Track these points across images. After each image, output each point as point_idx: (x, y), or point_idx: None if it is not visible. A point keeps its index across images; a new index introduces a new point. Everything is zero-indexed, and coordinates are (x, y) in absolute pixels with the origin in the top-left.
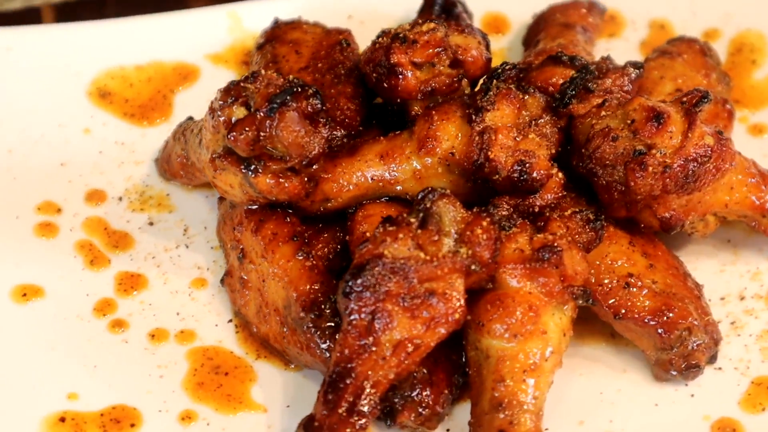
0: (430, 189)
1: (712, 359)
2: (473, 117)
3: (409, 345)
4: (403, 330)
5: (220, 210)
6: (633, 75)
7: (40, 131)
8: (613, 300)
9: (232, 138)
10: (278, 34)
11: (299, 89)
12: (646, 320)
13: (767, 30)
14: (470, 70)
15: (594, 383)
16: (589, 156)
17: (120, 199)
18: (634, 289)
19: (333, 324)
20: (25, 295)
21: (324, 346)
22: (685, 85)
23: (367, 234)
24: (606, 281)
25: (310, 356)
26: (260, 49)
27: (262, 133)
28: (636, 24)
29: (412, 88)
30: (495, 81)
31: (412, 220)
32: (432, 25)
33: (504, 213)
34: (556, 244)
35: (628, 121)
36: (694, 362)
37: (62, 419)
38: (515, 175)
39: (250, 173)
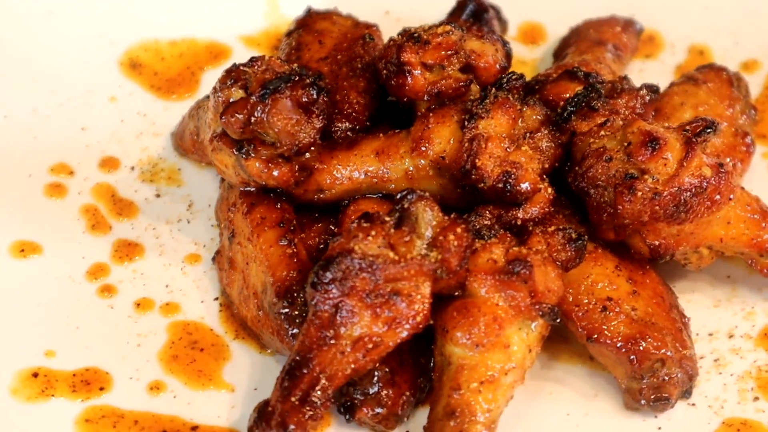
0: (409, 190)
1: (686, 394)
2: (466, 123)
3: (369, 342)
4: (365, 327)
5: (221, 189)
6: (647, 98)
7: (67, 94)
8: (587, 322)
9: (224, 120)
10: (308, 22)
11: (296, 78)
12: (618, 346)
13: None
14: (482, 76)
15: (562, 404)
16: (581, 174)
17: (132, 168)
18: (611, 314)
19: (303, 313)
20: (23, 251)
21: (292, 333)
22: (705, 113)
23: None
24: (584, 302)
25: (279, 342)
26: (288, 35)
27: (253, 118)
28: (675, 47)
29: (419, 89)
30: (494, 89)
31: (388, 219)
32: (448, 27)
33: (486, 222)
34: (528, 259)
35: (625, 144)
36: (664, 395)
37: (35, 374)
38: (500, 185)
39: (242, 156)
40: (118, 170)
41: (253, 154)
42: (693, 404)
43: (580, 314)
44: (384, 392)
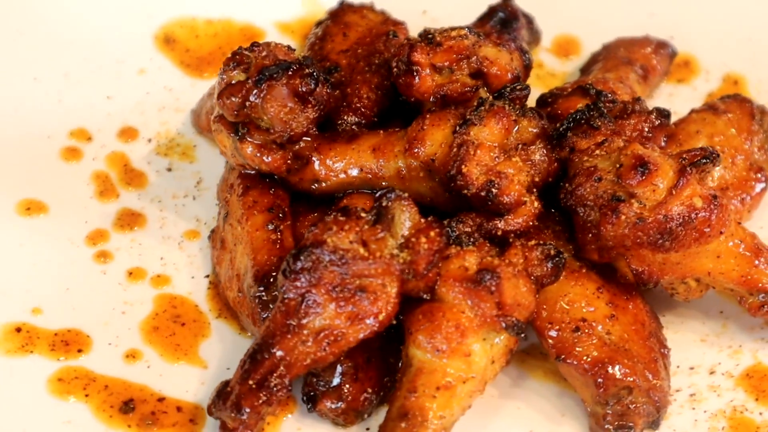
0: (390, 189)
1: (653, 425)
2: (458, 128)
3: (331, 335)
4: (327, 319)
5: (225, 168)
6: (656, 122)
7: (98, 63)
8: (558, 341)
9: (220, 101)
10: (338, 13)
11: (296, 67)
12: (585, 368)
13: None
14: (493, 84)
15: (527, 420)
16: (570, 192)
17: (149, 140)
18: (583, 335)
19: (276, 299)
20: (29, 209)
21: (264, 317)
22: (720, 143)
23: None
24: (557, 320)
25: (253, 325)
26: (318, 24)
27: (248, 102)
28: (710, 75)
29: (425, 90)
30: (491, 97)
31: (365, 215)
32: (463, 31)
33: (466, 229)
34: (498, 270)
35: (617, 165)
36: (629, 423)
37: (18, 329)
38: (482, 193)
39: (237, 138)
40: (136, 141)
41: (248, 138)
42: None
43: (552, 332)
44: (346, 387)
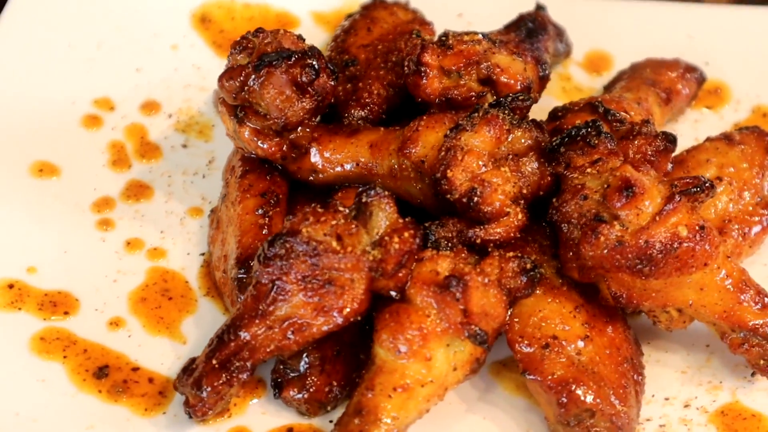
0: (372, 185)
1: None
2: (449, 132)
3: (295, 324)
4: (294, 308)
5: (232, 150)
6: (661, 146)
7: (132, 35)
8: (526, 355)
9: (220, 83)
10: (369, 8)
11: (297, 56)
12: (550, 386)
13: None
14: (501, 92)
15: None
16: (557, 207)
17: (170, 116)
18: (551, 353)
19: None
20: (41, 170)
21: (239, 300)
22: (730, 175)
23: None
24: (528, 334)
25: (232, 306)
26: (348, 17)
27: (246, 86)
28: (739, 104)
29: (431, 91)
30: (487, 105)
31: (343, 209)
32: (476, 37)
33: (447, 234)
34: (466, 278)
35: (605, 186)
36: None
37: (11, 286)
38: (464, 200)
39: (236, 120)
40: (157, 115)
41: (246, 122)
42: None
43: (522, 346)
44: (311, 377)
